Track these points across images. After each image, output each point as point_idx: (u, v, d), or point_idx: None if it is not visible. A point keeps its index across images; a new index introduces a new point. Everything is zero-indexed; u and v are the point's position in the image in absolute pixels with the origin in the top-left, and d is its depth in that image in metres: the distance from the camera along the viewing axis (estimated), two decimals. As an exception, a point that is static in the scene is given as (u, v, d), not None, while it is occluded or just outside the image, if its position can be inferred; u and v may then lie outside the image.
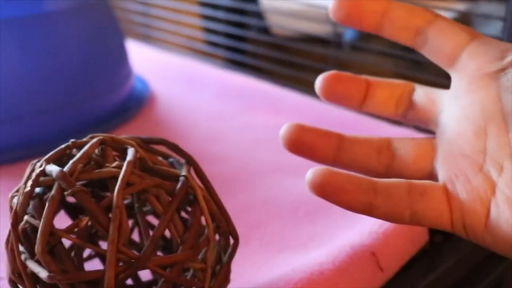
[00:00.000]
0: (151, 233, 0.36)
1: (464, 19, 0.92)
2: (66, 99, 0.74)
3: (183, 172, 0.38)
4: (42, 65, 0.72)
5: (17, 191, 0.38)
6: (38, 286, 0.36)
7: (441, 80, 0.70)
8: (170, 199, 0.36)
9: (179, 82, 0.93)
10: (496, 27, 0.86)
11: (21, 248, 0.36)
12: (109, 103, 0.81)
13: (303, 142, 0.34)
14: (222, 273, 0.39)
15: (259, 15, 1.08)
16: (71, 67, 0.75)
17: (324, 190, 0.31)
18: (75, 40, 0.76)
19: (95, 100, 0.78)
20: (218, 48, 1.05)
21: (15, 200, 0.37)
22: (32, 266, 0.35)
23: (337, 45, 0.85)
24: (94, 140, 0.37)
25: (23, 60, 0.70)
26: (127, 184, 0.35)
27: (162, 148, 0.41)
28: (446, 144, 0.32)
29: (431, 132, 0.35)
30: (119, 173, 0.35)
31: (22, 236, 0.36)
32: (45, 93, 0.72)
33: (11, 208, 0.37)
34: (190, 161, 0.40)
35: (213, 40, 1.00)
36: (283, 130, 0.34)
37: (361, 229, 0.48)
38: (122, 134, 0.37)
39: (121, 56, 0.86)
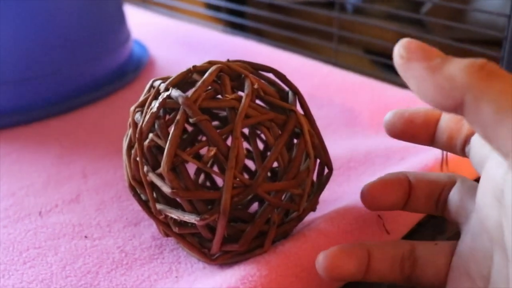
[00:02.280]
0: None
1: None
2: (64, 62, 0.72)
3: (292, 105, 0.39)
4: (38, 29, 0.69)
5: (139, 106, 0.41)
6: (154, 193, 0.41)
7: (446, 41, 0.72)
8: (280, 132, 0.38)
9: (178, 47, 0.92)
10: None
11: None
12: (107, 66, 0.79)
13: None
14: (315, 198, 0.43)
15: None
16: (68, 30, 0.73)
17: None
18: (72, 2, 0.74)
19: (93, 63, 0.76)
20: (218, 11, 1.03)
21: (138, 116, 0.41)
22: (154, 179, 0.39)
23: (340, 7, 0.86)
24: (213, 68, 0.38)
25: (18, 23, 0.68)
26: (245, 116, 0.38)
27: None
28: (458, 258, 0.32)
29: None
30: (238, 105, 0.38)
31: (146, 151, 0.39)
32: (42, 56, 0.70)
33: (133, 121, 0.41)
34: (297, 93, 0.40)
35: (213, 3, 0.99)
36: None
37: None
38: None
39: (119, 19, 0.83)
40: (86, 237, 0.47)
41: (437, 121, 0.36)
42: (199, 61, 0.84)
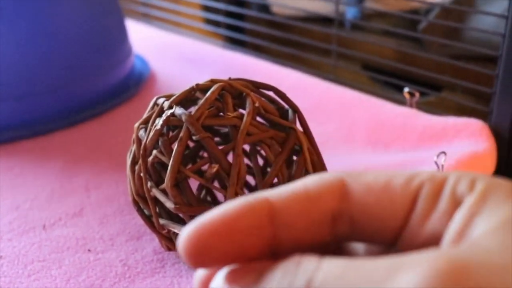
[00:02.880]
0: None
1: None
2: (66, 78, 0.73)
3: (291, 123, 0.40)
4: (41, 44, 0.70)
5: (143, 122, 0.43)
6: (157, 208, 0.42)
7: (442, 58, 0.73)
8: (280, 149, 0.39)
9: (179, 61, 0.93)
10: (500, 5, 0.90)
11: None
12: (109, 82, 0.80)
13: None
14: None
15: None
16: (70, 46, 0.74)
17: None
18: (74, 18, 0.75)
19: (95, 79, 0.78)
20: (217, 27, 1.05)
21: (142, 133, 0.42)
22: (158, 194, 0.40)
23: (339, 24, 0.87)
24: (216, 86, 0.40)
25: (22, 38, 0.69)
26: (246, 134, 0.38)
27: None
28: None
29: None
30: (239, 123, 0.39)
31: (150, 167, 0.41)
32: (44, 72, 0.71)
33: (137, 137, 0.42)
34: (296, 111, 0.41)
35: (212, 18, 1.00)
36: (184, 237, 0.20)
37: None
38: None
39: (121, 35, 0.85)
40: (89, 250, 0.48)
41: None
42: (199, 76, 0.85)
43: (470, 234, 0.18)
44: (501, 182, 0.19)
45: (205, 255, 0.20)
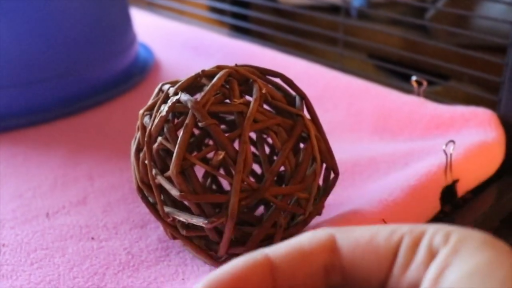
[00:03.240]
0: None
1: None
2: (69, 65, 0.73)
3: (299, 110, 0.40)
4: (45, 32, 0.70)
5: (148, 109, 0.42)
6: (162, 196, 0.41)
7: (451, 47, 0.72)
8: (287, 137, 0.38)
9: (183, 50, 0.92)
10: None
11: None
12: (113, 69, 0.79)
13: None
14: (321, 202, 0.43)
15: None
16: (74, 33, 0.73)
17: None
18: (78, 5, 0.74)
19: (99, 66, 0.77)
20: (223, 15, 1.04)
21: (146, 119, 0.41)
22: (163, 182, 0.39)
23: (346, 13, 0.86)
24: (222, 72, 0.39)
25: (25, 25, 0.68)
26: (253, 121, 0.37)
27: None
28: None
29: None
30: (246, 109, 0.39)
31: (155, 154, 0.40)
32: (48, 59, 0.71)
33: (142, 124, 0.41)
34: (304, 98, 0.41)
35: (218, 6, 0.99)
36: None
37: (371, 198, 0.48)
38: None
39: (125, 22, 0.84)
40: (93, 238, 0.47)
41: None
42: (204, 64, 0.84)
43: (443, 282, 0.20)
44: (474, 234, 0.21)
45: None
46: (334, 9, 1.04)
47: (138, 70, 0.83)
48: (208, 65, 0.42)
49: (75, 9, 0.73)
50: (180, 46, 0.93)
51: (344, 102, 0.70)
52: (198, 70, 0.42)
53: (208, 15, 1.07)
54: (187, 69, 0.86)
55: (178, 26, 0.99)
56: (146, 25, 0.99)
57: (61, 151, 0.62)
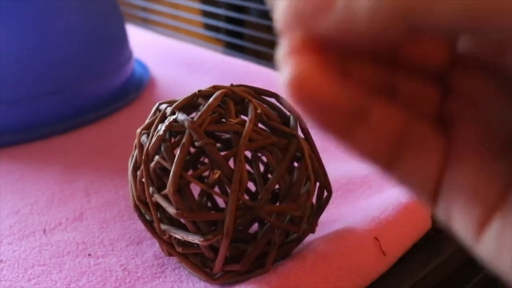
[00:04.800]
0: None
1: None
2: (66, 82, 0.73)
3: (293, 130, 0.40)
4: (41, 48, 0.71)
5: (145, 128, 0.43)
6: (158, 213, 0.42)
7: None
8: (281, 156, 0.39)
9: (179, 67, 0.93)
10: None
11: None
12: (109, 86, 0.80)
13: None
14: (314, 220, 0.44)
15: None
16: (70, 50, 0.74)
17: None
18: (75, 22, 0.75)
19: (95, 83, 0.78)
20: (218, 33, 1.05)
21: (144, 138, 0.42)
22: (160, 200, 0.40)
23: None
24: (218, 92, 0.40)
25: (22, 42, 0.69)
26: (248, 140, 0.38)
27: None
28: None
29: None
30: (241, 129, 0.40)
31: (152, 172, 0.41)
32: (45, 76, 0.71)
33: (139, 143, 0.42)
34: (298, 118, 0.42)
35: (212, 24, 1.00)
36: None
37: (363, 215, 0.49)
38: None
39: (121, 39, 0.85)
40: (89, 255, 0.48)
41: None
42: (199, 81, 0.85)
43: None
44: None
45: None
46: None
47: (134, 87, 0.84)
48: (203, 82, 0.43)
49: (72, 26, 0.74)
50: (175, 63, 0.94)
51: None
52: (193, 87, 0.43)
53: (203, 32, 1.08)
54: (182, 86, 0.87)
55: (173, 43, 1.00)
56: (141, 42, 0.99)
57: (58, 167, 0.63)
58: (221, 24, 0.99)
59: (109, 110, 0.76)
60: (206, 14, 1.10)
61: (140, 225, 0.51)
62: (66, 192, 0.58)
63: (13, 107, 0.70)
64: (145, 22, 1.09)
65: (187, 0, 1.03)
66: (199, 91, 0.42)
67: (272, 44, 0.87)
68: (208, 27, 1.10)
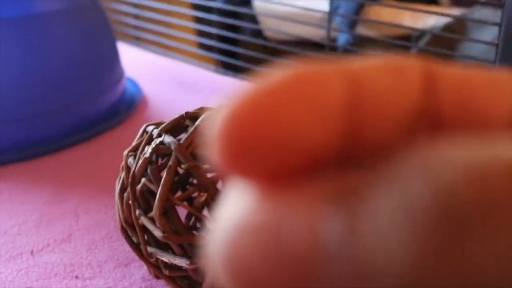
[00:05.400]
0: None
1: (460, 24, 0.96)
2: (57, 102, 0.73)
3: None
4: (32, 68, 0.71)
5: (132, 150, 0.43)
6: (145, 236, 0.41)
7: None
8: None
9: (171, 85, 0.93)
10: (490, 33, 0.91)
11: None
12: (100, 106, 0.80)
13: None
14: None
15: (252, 18, 1.09)
16: (62, 70, 0.74)
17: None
18: (66, 42, 0.75)
19: (87, 103, 0.77)
20: (210, 52, 1.05)
21: (130, 160, 0.42)
22: (146, 223, 0.40)
23: (331, 49, 0.88)
24: (205, 114, 0.39)
25: (12, 63, 0.69)
26: None
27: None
28: None
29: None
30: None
31: (139, 195, 0.41)
32: (35, 96, 0.71)
33: (126, 165, 0.42)
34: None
35: (205, 43, 1.01)
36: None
37: None
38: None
39: (113, 58, 0.85)
40: (77, 277, 0.47)
41: None
42: (191, 100, 0.85)
43: None
44: None
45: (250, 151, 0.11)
46: (320, 46, 1.05)
47: (125, 106, 0.84)
48: (195, 101, 0.43)
49: (63, 46, 0.74)
50: (168, 82, 0.94)
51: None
52: (184, 105, 0.43)
53: (196, 51, 1.09)
54: (174, 105, 0.87)
55: (165, 62, 1.00)
56: (133, 60, 1.00)
57: (47, 187, 0.62)
58: (214, 43, 0.99)
59: (100, 129, 0.76)
60: (199, 33, 1.10)
61: (128, 247, 0.51)
62: (55, 213, 0.57)
63: (3, 127, 0.70)
64: (137, 41, 1.09)
65: (180, 19, 1.03)
66: (186, 113, 0.42)
67: (265, 63, 0.87)
68: (201, 46, 1.11)
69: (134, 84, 0.92)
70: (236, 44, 1.06)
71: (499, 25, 0.64)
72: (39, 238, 0.53)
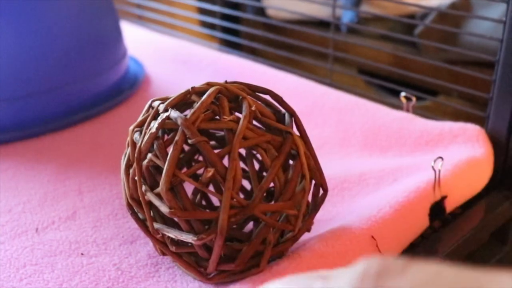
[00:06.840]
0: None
1: (466, 2, 0.95)
2: (60, 79, 0.73)
3: (288, 127, 0.40)
4: (35, 47, 0.70)
5: (138, 125, 0.42)
6: (151, 212, 0.41)
7: (439, 63, 0.73)
8: (276, 154, 0.38)
9: (174, 64, 0.92)
10: (497, 11, 0.90)
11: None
12: (103, 84, 0.79)
13: None
14: (310, 218, 0.43)
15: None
16: (65, 47, 0.73)
17: None
18: (69, 19, 0.74)
19: (90, 81, 0.77)
20: (213, 30, 1.04)
21: (136, 136, 0.41)
22: (153, 198, 0.39)
23: (335, 28, 0.87)
24: (212, 89, 0.39)
25: (16, 40, 0.68)
26: (242, 138, 0.37)
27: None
28: None
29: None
30: (236, 126, 0.39)
31: (145, 171, 0.40)
32: (39, 74, 0.71)
33: (132, 141, 0.41)
34: (293, 115, 0.41)
35: (208, 21, 1.00)
36: None
37: (360, 214, 0.49)
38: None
39: (116, 37, 0.84)
40: (82, 254, 0.47)
41: None
42: (194, 79, 0.85)
43: None
44: None
45: None
46: (324, 24, 1.04)
47: (129, 84, 0.83)
48: (198, 80, 0.43)
49: (66, 24, 0.73)
50: (171, 60, 0.93)
51: (334, 118, 0.70)
52: (188, 84, 0.43)
53: (198, 29, 1.08)
54: (177, 84, 0.86)
55: (168, 40, 0.99)
56: (136, 39, 0.99)
57: (51, 165, 0.62)
58: (216, 21, 0.98)
59: (103, 108, 0.76)
60: (201, 11, 1.09)
61: (133, 224, 0.51)
62: (59, 191, 0.57)
63: (6, 105, 0.69)
64: (140, 20, 1.08)
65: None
66: (192, 88, 0.41)
67: (268, 42, 0.86)
68: (203, 24, 1.10)
69: (137, 63, 0.91)
70: (239, 22, 1.05)
71: (507, 1, 0.63)
72: (44, 216, 0.53)
